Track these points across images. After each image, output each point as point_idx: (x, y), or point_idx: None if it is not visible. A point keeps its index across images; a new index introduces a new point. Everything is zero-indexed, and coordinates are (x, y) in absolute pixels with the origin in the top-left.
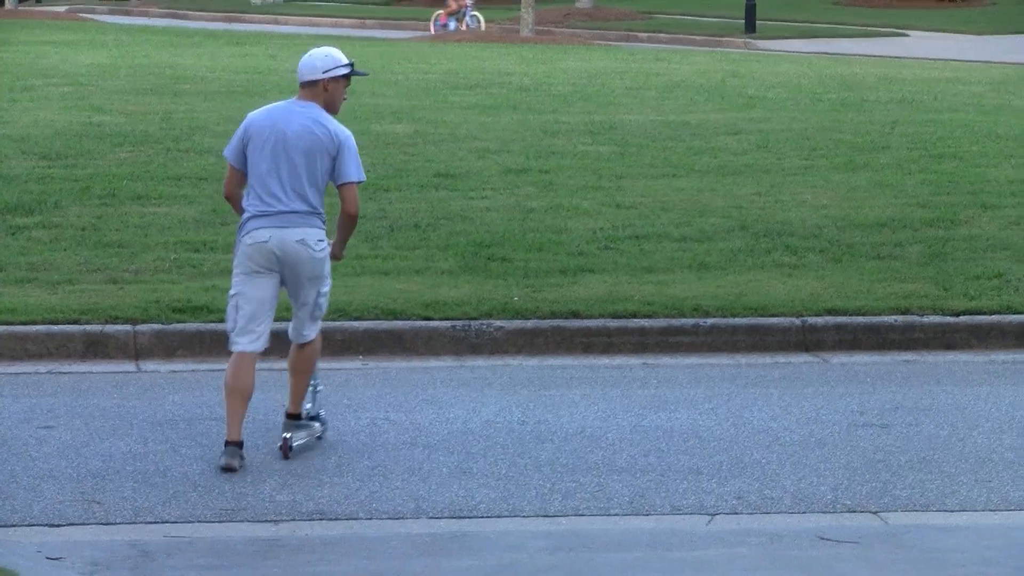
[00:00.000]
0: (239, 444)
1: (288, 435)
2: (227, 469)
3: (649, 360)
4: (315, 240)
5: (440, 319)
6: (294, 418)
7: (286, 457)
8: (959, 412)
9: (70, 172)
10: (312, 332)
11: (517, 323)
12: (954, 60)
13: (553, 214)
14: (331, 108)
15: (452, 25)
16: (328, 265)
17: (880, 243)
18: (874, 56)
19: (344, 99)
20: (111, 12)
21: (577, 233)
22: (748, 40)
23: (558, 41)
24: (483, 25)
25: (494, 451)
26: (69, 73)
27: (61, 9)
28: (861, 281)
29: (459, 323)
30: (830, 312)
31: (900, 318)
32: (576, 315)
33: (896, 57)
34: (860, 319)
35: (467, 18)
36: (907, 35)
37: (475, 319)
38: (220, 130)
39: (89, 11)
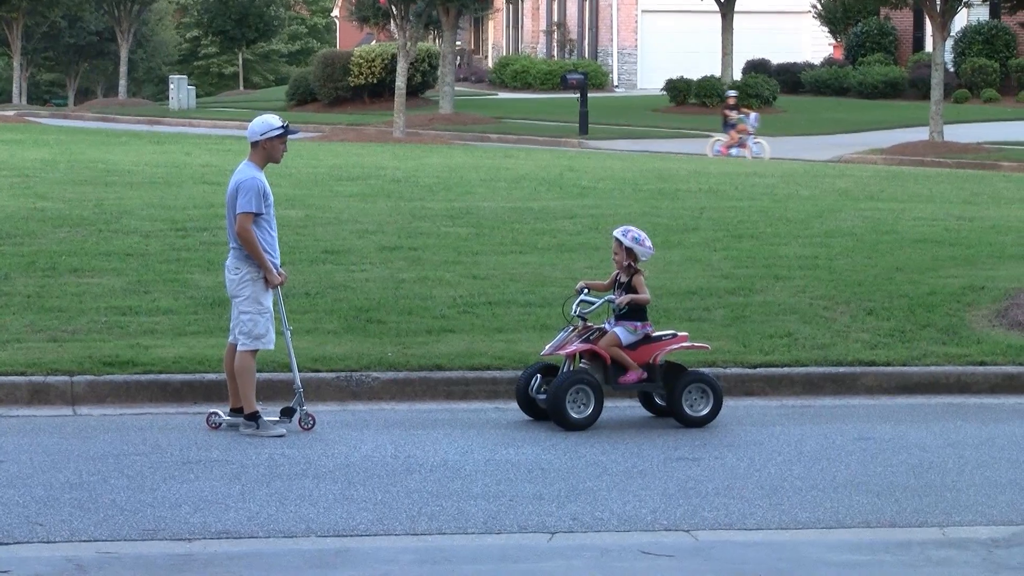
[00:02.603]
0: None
1: (217, 414)
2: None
3: (500, 405)
4: (233, 265)
5: (327, 371)
6: (235, 412)
7: (208, 426)
8: (756, 447)
9: (18, 249)
10: (239, 340)
11: (391, 374)
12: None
13: (420, 284)
14: (273, 160)
15: (735, 152)
16: (245, 288)
17: (691, 308)
18: (684, 154)
19: (283, 151)
20: (52, 115)
21: (440, 300)
22: (582, 140)
23: (425, 141)
24: (768, 153)
25: (371, 481)
26: (17, 166)
27: (10, 113)
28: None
29: (342, 374)
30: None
31: (709, 369)
32: (440, 368)
33: (703, 155)
34: None
35: (752, 144)
36: (712, 136)
37: (356, 371)
38: (144, 214)
39: (34, 115)
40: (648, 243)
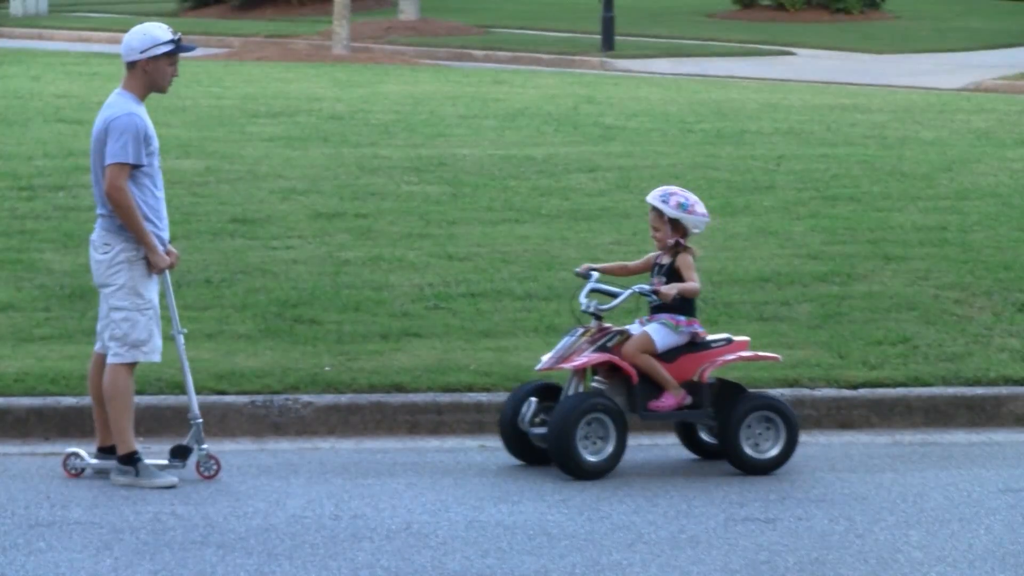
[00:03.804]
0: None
1: (79, 456)
2: None
3: (488, 442)
4: (101, 241)
5: (236, 393)
6: (105, 452)
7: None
8: (858, 504)
9: None
10: (109, 349)
11: (329, 398)
12: (850, 84)
13: (372, 267)
14: (157, 89)
15: None
16: (118, 275)
17: (763, 302)
18: (755, 79)
19: (173, 75)
20: None
21: (401, 290)
22: (605, 59)
23: (378, 60)
24: None
25: (302, 552)
26: None
27: None
28: None
29: (259, 398)
30: None
31: (787, 391)
32: (400, 388)
33: (781, 80)
34: None
35: None
36: (794, 54)
37: (278, 393)
38: None
39: None
40: (701, 208)
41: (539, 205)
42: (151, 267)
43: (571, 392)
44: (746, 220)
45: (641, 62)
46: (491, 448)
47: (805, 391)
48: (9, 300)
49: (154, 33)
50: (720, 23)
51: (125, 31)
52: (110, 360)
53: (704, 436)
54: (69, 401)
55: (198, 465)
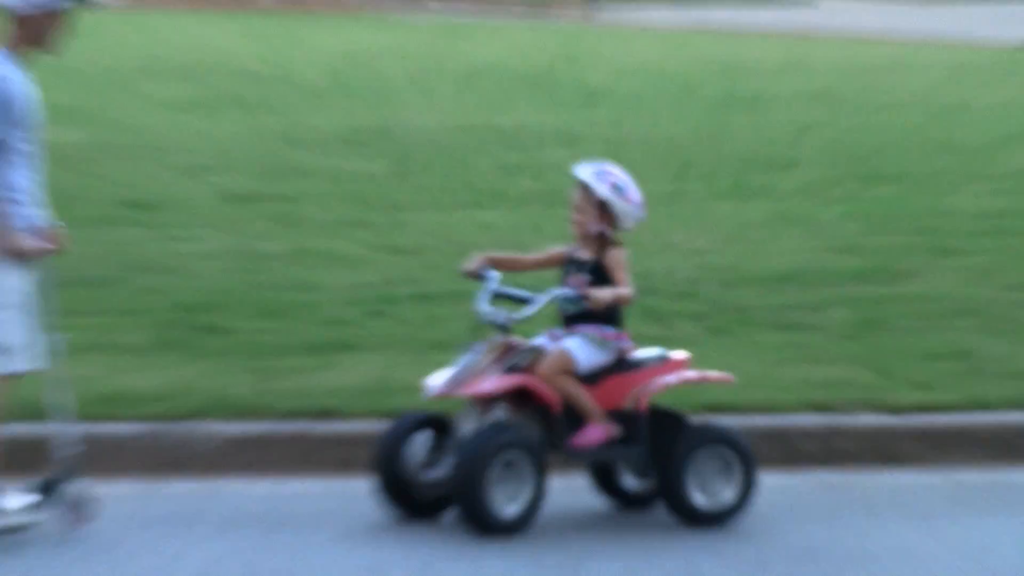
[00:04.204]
0: None
1: None
2: None
3: None
4: None
5: (126, 420)
6: None
7: None
8: (906, 558)
9: None
10: None
11: (242, 426)
12: (890, 36)
13: (297, 263)
14: (40, 46)
15: None
16: None
17: (785, 306)
18: (773, 30)
19: (61, 33)
20: None
21: (333, 291)
22: (589, 8)
23: (309, 7)
24: None
25: None
26: None
27: None
28: (757, 362)
29: (155, 426)
30: (711, 409)
31: (817, 418)
32: (329, 415)
33: (805, 32)
34: (758, 419)
35: None
36: (818, 2)
37: (179, 420)
38: None
39: None
40: (636, 196)
41: (506, 186)
42: (16, 255)
43: (471, 426)
44: (764, 205)
45: (633, 11)
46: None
47: (839, 418)
48: None
49: None
50: None
51: None
52: None
53: (626, 479)
54: None
55: (71, 509)
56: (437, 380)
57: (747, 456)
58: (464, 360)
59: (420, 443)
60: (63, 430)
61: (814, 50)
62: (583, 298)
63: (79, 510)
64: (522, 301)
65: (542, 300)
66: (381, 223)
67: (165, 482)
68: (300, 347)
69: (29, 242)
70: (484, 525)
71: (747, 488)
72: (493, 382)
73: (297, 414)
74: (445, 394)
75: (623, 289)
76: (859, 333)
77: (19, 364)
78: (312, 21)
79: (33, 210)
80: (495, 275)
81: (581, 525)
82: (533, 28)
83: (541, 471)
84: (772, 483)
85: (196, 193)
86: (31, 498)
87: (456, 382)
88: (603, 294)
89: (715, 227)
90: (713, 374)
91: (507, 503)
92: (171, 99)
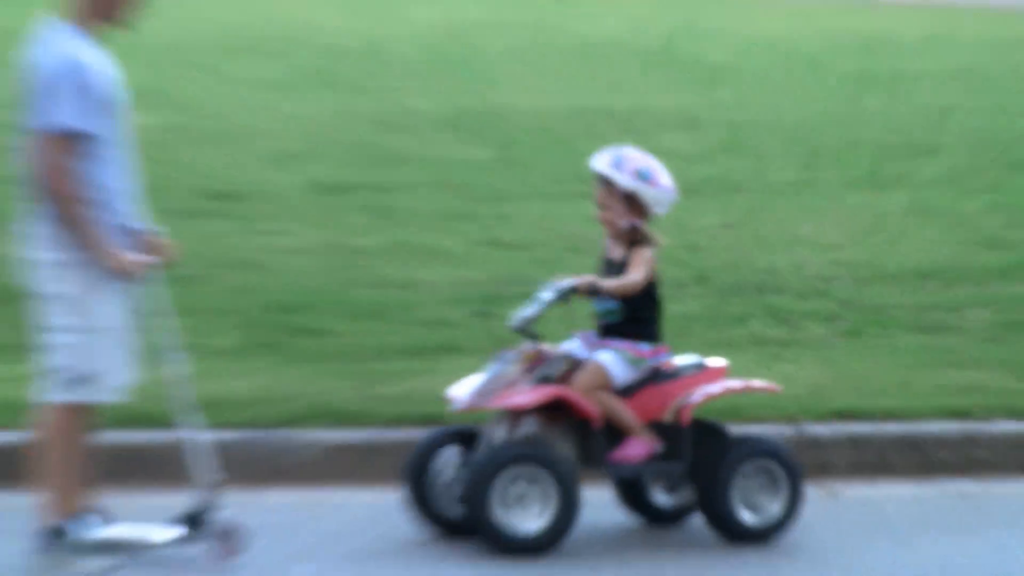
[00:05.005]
0: None
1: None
2: None
3: None
4: (43, 235)
5: (215, 427)
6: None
7: None
8: None
9: None
10: (51, 390)
11: (343, 434)
12: None
13: (395, 259)
14: (112, 20)
15: None
16: (64, 281)
17: (924, 306)
18: (913, 2)
19: (137, 6)
20: None
21: (434, 289)
22: None
23: None
24: None
25: None
26: None
27: None
28: (892, 367)
29: (247, 434)
30: (842, 417)
31: (955, 426)
32: (435, 421)
33: (948, 3)
34: (891, 428)
35: None
36: None
37: (272, 427)
38: None
39: None
40: (666, 180)
41: None
42: (117, 272)
43: (501, 437)
44: (901, 195)
45: None
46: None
47: (978, 425)
48: None
49: None
50: None
51: None
52: (49, 397)
53: (656, 494)
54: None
55: (219, 540)
56: (463, 391)
57: (793, 469)
58: (492, 369)
59: (447, 459)
60: (200, 458)
61: (959, 23)
62: (573, 291)
63: (228, 541)
64: (542, 302)
65: (545, 300)
66: (485, 215)
67: (262, 492)
68: (401, 350)
69: (131, 258)
70: (496, 543)
71: (794, 502)
72: (527, 395)
73: (401, 421)
74: (473, 407)
75: (628, 277)
76: (1002, 335)
77: (103, 394)
78: None
79: (128, 213)
80: (569, 287)
81: (615, 541)
82: None
83: (567, 485)
84: (905, 493)
85: (284, 183)
86: (178, 531)
87: (484, 393)
88: (607, 283)
89: (848, 219)
90: (757, 383)
91: (527, 520)
92: (254, 78)
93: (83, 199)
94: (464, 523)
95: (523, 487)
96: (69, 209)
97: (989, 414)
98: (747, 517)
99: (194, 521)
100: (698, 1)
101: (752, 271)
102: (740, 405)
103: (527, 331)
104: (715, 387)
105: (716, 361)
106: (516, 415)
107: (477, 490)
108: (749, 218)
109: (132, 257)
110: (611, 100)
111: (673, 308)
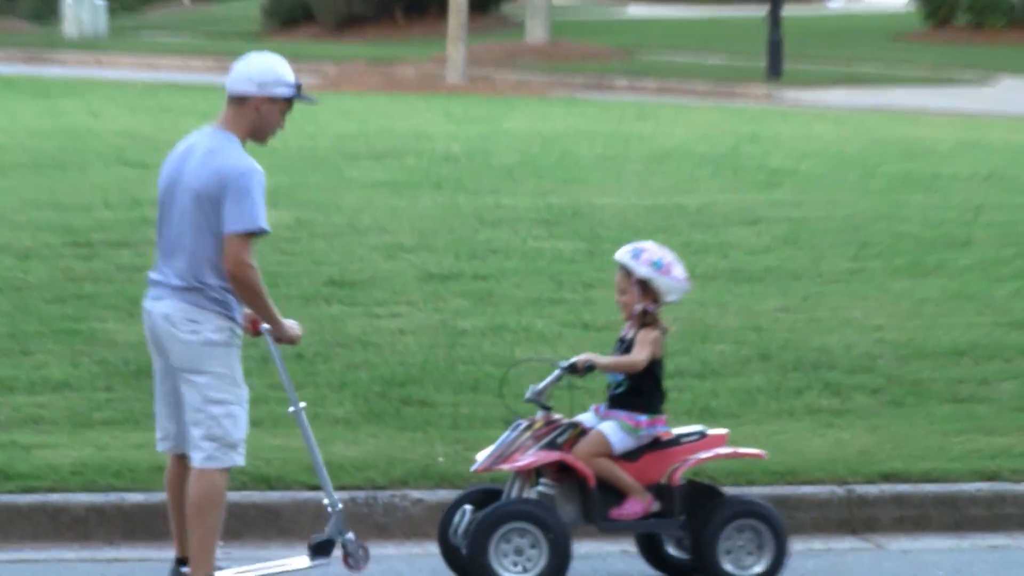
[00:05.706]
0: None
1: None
2: None
3: (629, 547)
4: (184, 319)
5: (334, 488)
6: (184, 564)
7: None
8: None
9: None
10: (200, 454)
11: (443, 494)
12: None
13: (494, 338)
14: (258, 136)
15: None
16: (212, 358)
17: (959, 379)
18: (949, 112)
19: (280, 128)
20: None
21: (528, 366)
22: (771, 89)
23: (500, 91)
24: None
25: None
26: None
27: None
28: (931, 434)
29: (360, 494)
30: (887, 478)
31: (986, 486)
32: None
33: (981, 113)
34: (929, 488)
35: None
36: (995, 81)
37: (383, 488)
38: (21, 219)
39: None
40: (679, 271)
41: (692, 264)
42: (281, 341)
43: (509, 495)
44: (939, 282)
45: (814, 92)
46: (632, 554)
47: (1007, 486)
48: (65, 378)
49: (279, 69)
50: (908, 45)
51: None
52: (204, 464)
53: (671, 549)
54: (136, 498)
55: (346, 556)
56: (481, 456)
57: (778, 529)
58: (504, 436)
59: (465, 515)
60: (324, 487)
61: (990, 131)
62: (571, 369)
63: (357, 562)
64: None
65: (552, 377)
66: (573, 300)
67: (372, 545)
68: (497, 420)
69: (296, 329)
70: None
71: (777, 561)
72: (529, 457)
73: (495, 482)
74: (486, 469)
75: (627, 357)
76: None
77: (240, 459)
78: (501, 103)
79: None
80: (586, 365)
81: None
82: (717, 109)
83: (557, 540)
84: (942, 546)
85: (396, 271)
86: (315, 562)
87: (495, 457)
88: (604, 360)
89: (892, 304)
90: (744, 450)
91: (522, 571)
92: (369, 180)
93: (266, 293)
94: (472, 570)
95: (517, 541)
96: (258, 297)
97: (1017, 475)
98: (733, 571)
99: (324, 550)
100: (759, 112)
101: (808, 349)
102: (796, 469)
103: (539, 402)
104: (707, 453)
105: (716, 430)
106: (527, 476)
107: (476, 543)
108: (805, 303)
109: (296, 329)
110: (684, 199)
111: (739, 382)
